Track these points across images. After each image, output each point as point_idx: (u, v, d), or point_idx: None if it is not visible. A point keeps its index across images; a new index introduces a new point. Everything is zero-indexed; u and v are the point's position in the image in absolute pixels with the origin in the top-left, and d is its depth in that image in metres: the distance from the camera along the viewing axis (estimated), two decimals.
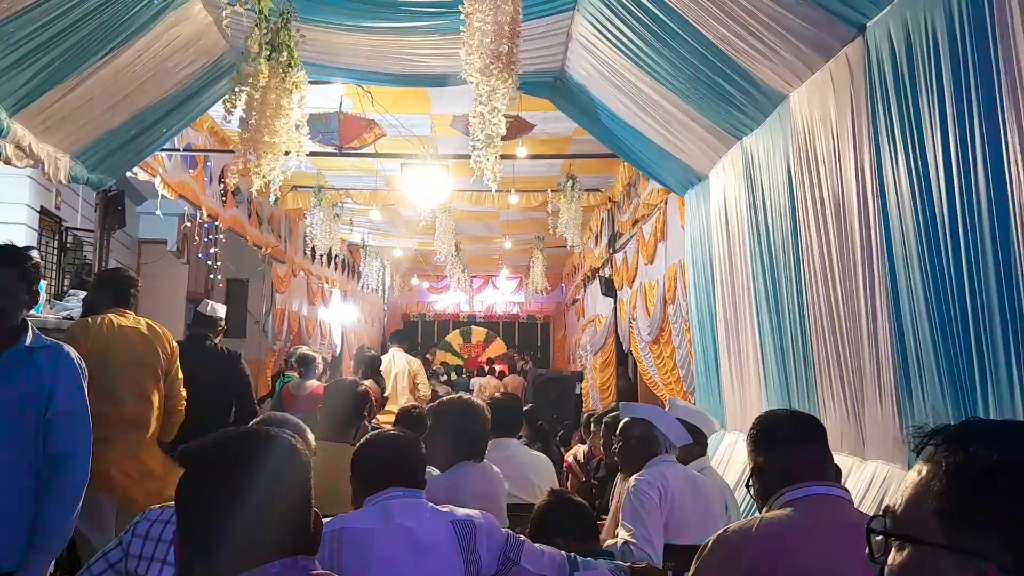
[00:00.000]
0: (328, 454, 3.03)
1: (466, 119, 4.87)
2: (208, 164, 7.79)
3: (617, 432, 3.30)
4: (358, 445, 2.39)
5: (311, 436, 2.29)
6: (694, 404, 5.67)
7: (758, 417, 2.03)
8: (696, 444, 3.51)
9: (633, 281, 9.15)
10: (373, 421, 5.80)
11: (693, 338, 6.03)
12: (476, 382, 15.46)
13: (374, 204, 10.02)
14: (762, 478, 1.93)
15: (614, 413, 4.60)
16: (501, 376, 16.00)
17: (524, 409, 5.47)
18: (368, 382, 6.68)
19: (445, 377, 15.51)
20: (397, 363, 8.25)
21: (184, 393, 3.82)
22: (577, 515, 2.57)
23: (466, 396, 3.14)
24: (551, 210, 8.98)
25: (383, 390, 6.98)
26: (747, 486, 2.01)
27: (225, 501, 1.11)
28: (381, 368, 7.98)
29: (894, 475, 2.93)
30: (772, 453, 1.92)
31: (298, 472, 1.20)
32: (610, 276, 10.77)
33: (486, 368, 16.66)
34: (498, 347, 21.27)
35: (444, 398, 3.19)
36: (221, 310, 5.06)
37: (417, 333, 21.57)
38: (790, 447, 1.91)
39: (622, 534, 2.80)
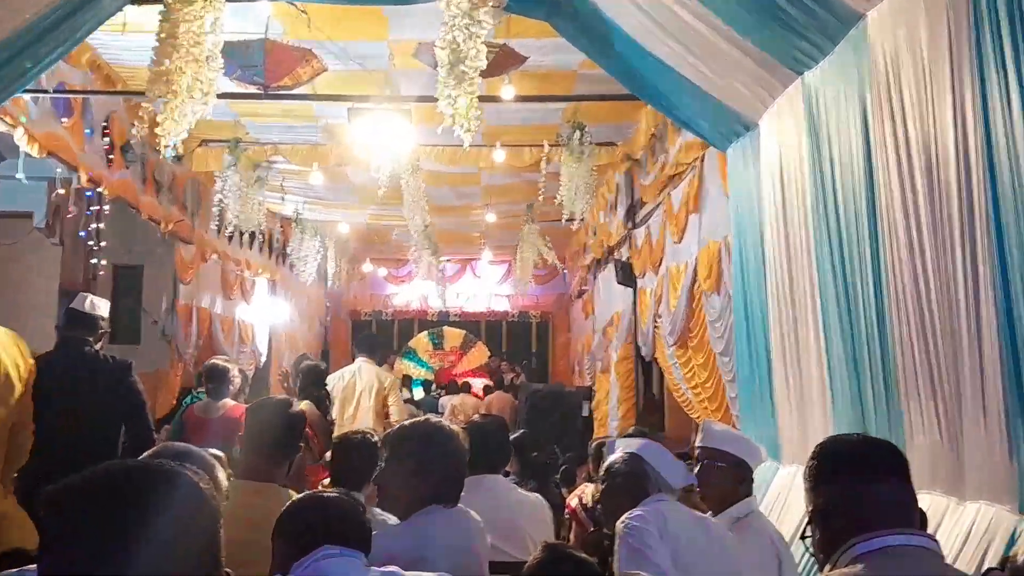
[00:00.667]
0: (247, 496, 3.02)
1: (434, 48, 4.86)
2: (88, 111, 7.73)
3: (600, 472, 3.37)
4: (287, 505, 2.42)
5: (222, 473, 2.29)
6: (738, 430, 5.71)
7: (819, 445, 2.04)
8: (739, 481, 3.54)
9: (659, 266, 9.20)
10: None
11: (737, 340, 6.06)
12: (449, 401, 15.48)
13: (312, 164, 10.00)
14: (824, 525, 1.94)
15: (600, 440, 4.60)
16: (486, 392, 16.02)
17: (513, 437, 5.49)
18: (304, 404, 6.67)
19: (406, 395, 15.53)
20: (363, 378, 8.27)
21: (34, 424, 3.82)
22: None
23: (434, 419, 3.14)
24: (549, 171, 8.99)
25: (326, 413, 6.96)
26: (803, 537, 2.02)
27: (103, 558, 1.10)
28: (340, 386, 7.98)
29: (1002, 520, 2.95)
30: (837, 491, 1.93)
31: (202, 520, 1.19)
32: (628, 259, 10.82)
33: (460, 383, 16.68)
34: (479, 354, 21.34)
35: (405, 422, 3.19)
36: (104, 307, 5.03)
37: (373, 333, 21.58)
38: (861, 483, 1.91)
39: None
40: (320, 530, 2.26)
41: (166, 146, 4.46)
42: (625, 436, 5.10)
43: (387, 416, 8.20)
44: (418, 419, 3.14)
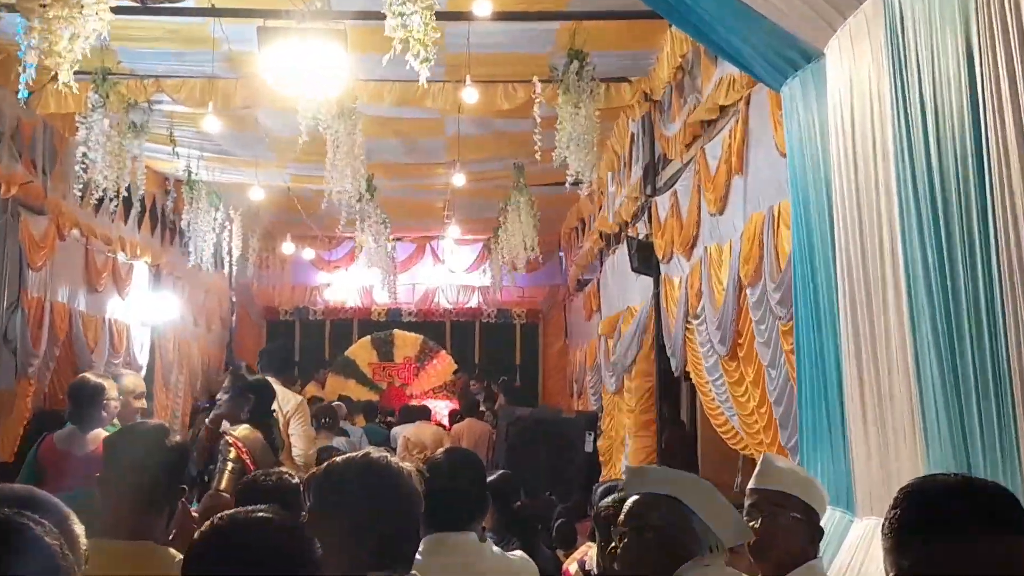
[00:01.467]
0: (113, 560, 3.00)
1: None
2: None
3: (621, 519, 3.32)
4: (188, 549, 2.40)
5: (79, 529, 2.27)
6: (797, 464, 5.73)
7: (904, 489, 2.05)
8: (811, 537, 3.55)
9: (691, 246, 9.26)
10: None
11: (796, 348, 6.08)
12: (401, 432, 15.46)
13: (209, 104, 9.96)
14: None
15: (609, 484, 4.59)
16: (452, 420, 16.03)
17: (490, 479, 5.48)
18: (243, 430, 6.71)
19: (349, 426, 15.48)
20: (284, 396, 8.39)
21: None
22: None
23: (377, 454, 3.13)
24: (539, 116, 8.98)
25: (276, 448, 7.08)
26: None
27: None
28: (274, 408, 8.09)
29: None
30: (928, 550, 1.94)
31: None
32: (647, 237, 10.85)
33: (418, 407, 16.65)
34: (442, 368, 21.38)
35: (337, 459, 3.18)
36: None
37: (293, 343, 21.62)
38: (961, 538, 1.93)
39: None
40: None
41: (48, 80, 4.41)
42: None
43: (289, 446, 8.32)
44: (355, 456, 3.13)
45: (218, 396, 7.80)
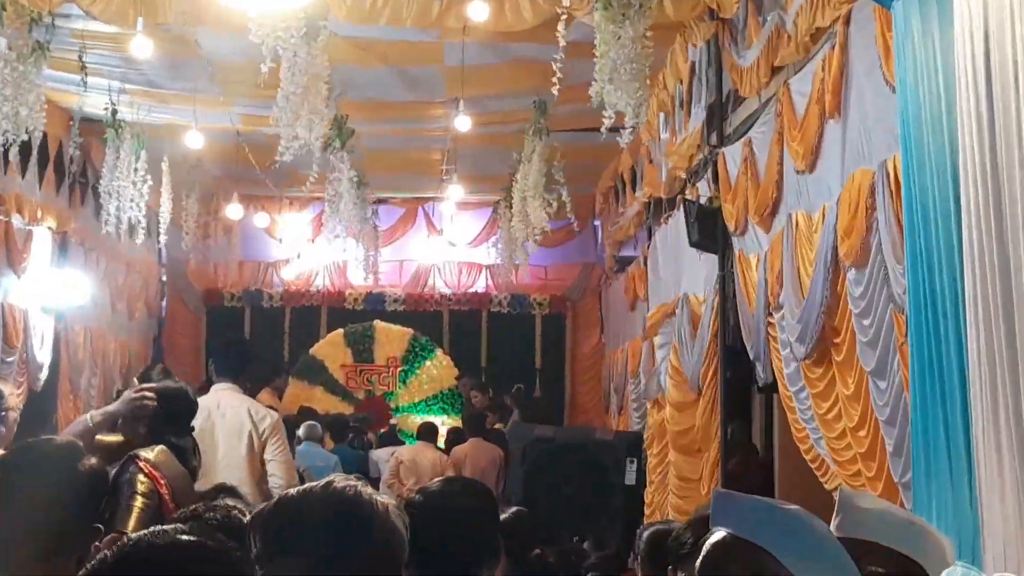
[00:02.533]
0: None
1: None
2: None
3: (698, 568, 3.28)
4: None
5: None
6: (906, 509, 5.70)
7: None
8: None
9: (771, 213, 9.23)
10: None
11: (911, 349, 6.05)
12: (386, 456, 15.51)
13: (137, 21, 9.93)
14: None
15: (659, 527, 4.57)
16: (452, 441, 16.02)
17: (503, 518, 5.48)
18: (156, 454, 6.67)
19: (311, 447, 15.48)
20: (226, 417, 8.37)
21: None
22: None
23: (345, 484, 3.13)
24: (567, 40, 8.94)
25: (193, 470, 7.00)
26: None
27: None
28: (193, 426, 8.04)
29: None
30: None
31: None
32: (712, 201, 10.81)
33: (419, 428, 16.67)
34: (439, 373, 21.34)
35: (291, 491, 3.18)
36: None
37: (241, 334, 21.59)
38: None
39: None
40: None
41: None
42: (696, 521, 5.08)
43: (264, 472, 8.35)
44: (313, 485, 3.11)
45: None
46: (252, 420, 8.31)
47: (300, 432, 14.89)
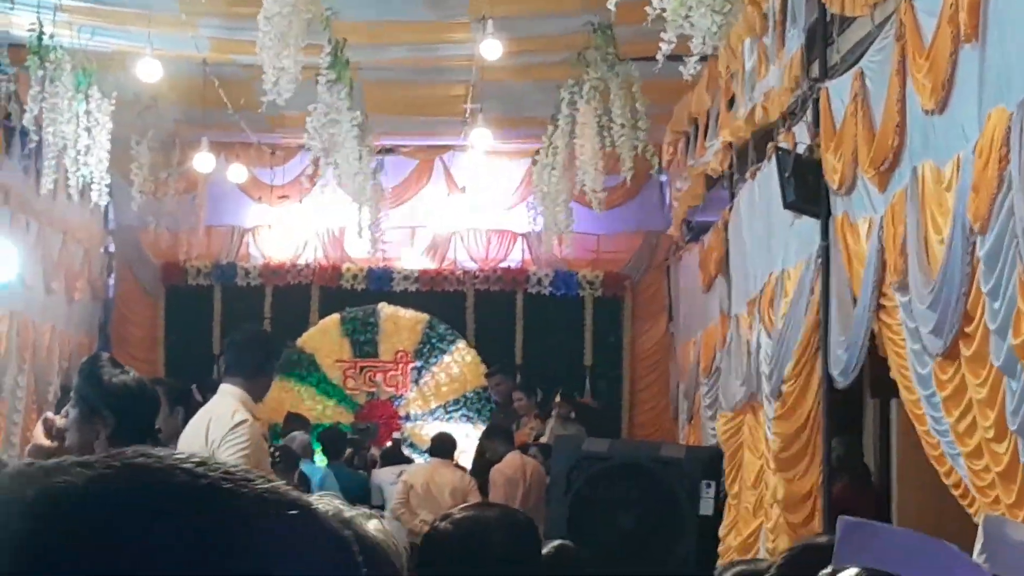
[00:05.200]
0: None
1: None
2: None
3: None
4: None
5: None
6: None
7: None
8: None
9: (890, 167, 9.19)
10: None
11: None
12: (391, 478, 15.58)
13: None
14: None
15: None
16: (479, 458, 16.07)
17: (545, 552, 5.50)
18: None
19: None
20: (216, 421, 8.38)
21: None
22: None
23: (327, 508, 3.10)
24: None
25: None
26: None
27: None
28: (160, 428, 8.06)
29: None
30: None
31: None
32: (811, 151, 10.78)
33: (434, 441, 16.71)
34: (463, 370, 21.39)
35: None
36: None
37: (210, 323, 21.76)
38: None
39: None
40: None
41: None
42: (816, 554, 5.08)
43: None
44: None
45: (61, 413, 7.72)
46: (206, 439, 8.26)
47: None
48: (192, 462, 1.25)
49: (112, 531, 1.19)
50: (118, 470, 1.23)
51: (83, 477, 1.21)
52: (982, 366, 7.59)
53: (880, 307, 9.32)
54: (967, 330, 7.82)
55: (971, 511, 8.34)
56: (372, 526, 3.12)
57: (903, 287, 8.95)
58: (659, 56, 8.91)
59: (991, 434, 7.53)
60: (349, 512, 3.13)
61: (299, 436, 16.11)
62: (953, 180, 7.95)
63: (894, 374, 9.38)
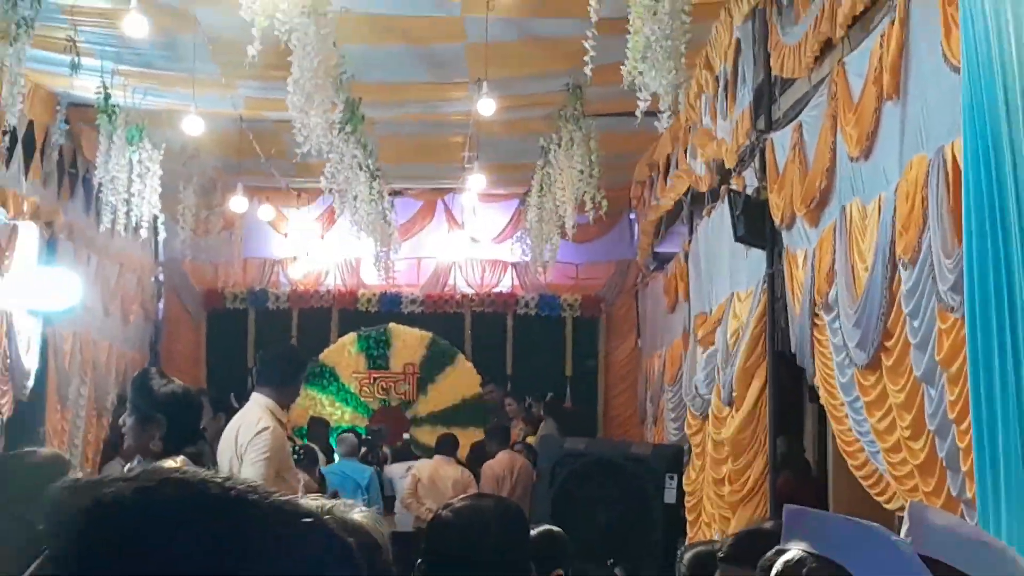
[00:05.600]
0: None
1: None
2: None
3: None
4: None
5: None
6: (972, 523, 5.67)
7: None
8: None
9: (822, 205, 9.23)
10: None
11: (971, 356, 6.02)
12: (401, 472, 15.53)
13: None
14: None
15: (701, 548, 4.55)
16: (476, 456, 16.03)
17: (533, 535, 5.48)
18: (178, 463, 6.74)
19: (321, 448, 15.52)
20: (245, 427, 8.33)
21: None
22: None
23: (354, 517, 3.09)
24: (605, 15, 8.94)
25: None
26: None
27: None
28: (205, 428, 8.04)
29: None
30: None
31: None
32: (759, 193, 10.80)
33: (439, 440, 16.65)
34: (460, 380, 21.38)
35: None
36: None
37: (244, 341, 21.79)
38: None
39: None
40: None
41: None
42: (766, 538, 5.07)
43: None
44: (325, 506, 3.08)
45: (120, 420, 7.73)
46: (236, 442, 8.25)
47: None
48: (221, 478, 1.31)
49: (155, 534, 1.24)
50: (159, 484, 1.27)
51: (130, 489, 1.26)
52: (901, 375, 7.67)
53: (814, 325, 9.37)
54: (887, 344, 7.91)
55: (882, 499, 8.44)
56: (359, 517, 3.11)
57: (828, 307, 9.04)
58: (637, 113, 8.91)
59: (908, 433, 7.60)
60: (330, 504, 3.13)
61: (349, 437, 16.24)
62: (875, 217, 8.01)
63: (818, 381, 9.48)
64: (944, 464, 7.00)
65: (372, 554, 3.04)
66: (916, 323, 7.22)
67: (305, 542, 1.28)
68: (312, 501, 3.13)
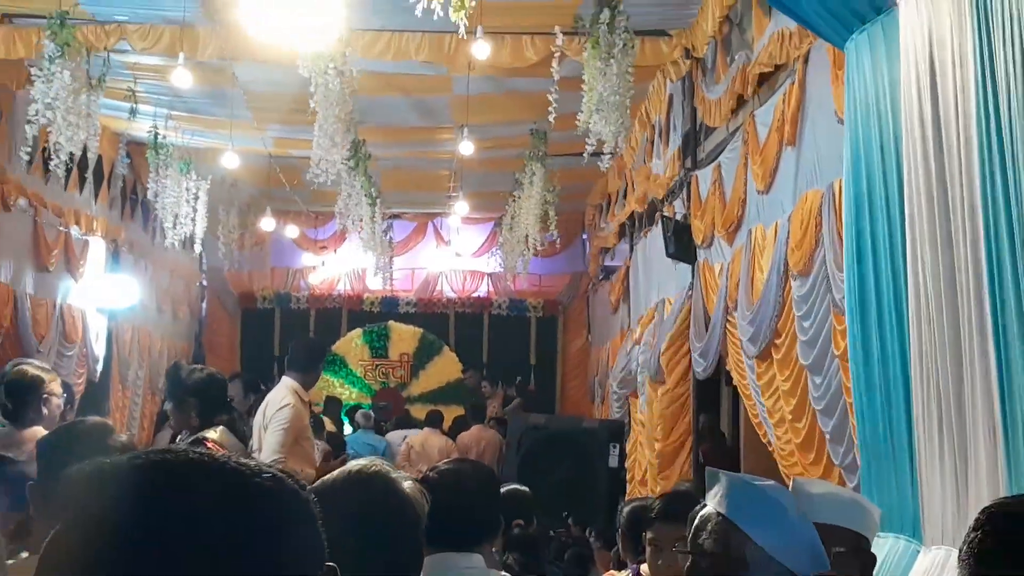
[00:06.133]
0: None
1: None
2: None
3: (690, 538, 3.29)
4: None
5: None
6: (851, 488, 5.74)
7: (988, 509, 2.02)
8: (848, 567, 3.53)
9: (735, 228, 9.26)
10: None
11: (852, 354, 6.06)
12: (398, 439, 15.50)
13: (180, 55, 9.94)
14: None
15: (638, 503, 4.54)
16: (456, 427, 16.03)
17: (502, 492, 5.49)
18: (220, 434, 6.75)
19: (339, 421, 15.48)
20: (271, 404, 8.27)
21: None
22: None
23: (374, 468, 3.11)
24: (563, 76, 8.95)
25: (244, 438, 7.13)
26: None
27: None
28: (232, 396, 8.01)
29: None
30: None
31: None
32: (685, 218, 10.83)
33: (428, 415, 16.64)
34: (445, 367, 21.38)
35: (330, 476, 3.14)
36: None
37: (271, 335, 21.71)
38: None
39: None
40: None
41: None
42: (686, 498, 5.12)
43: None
44: (349, 470, 3.07)
45: (165, 406, 7.80)
46: (264, 415, 8.25)
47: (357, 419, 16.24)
48: (239, 459, 1.28)
49: (140, 498, 1.22)
50: (152, 457, 1.25)
51: (126, 462, 1.25)
52: (787, 366, 7.79)
53: (727, 323, 9.42)
54: (777, 341, 8.02)
55: (783, 467, 8.49)
56: (406, 478, 3.11)
57: (733, 311, 9.20)
58: (585, 154, 8.94)
59: (790, 416, 7.75)
60: (392, 471, 3.11)
61: (368, 413, 16.63)
62: (773, 239, 8.11)
63: (731, 367, 9.56)
64: (828, 438, 7.09)
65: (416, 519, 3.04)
66: (807, 323, 7.30)
67: (296, 503, 1.29)
68: (382, 465, 3.16)
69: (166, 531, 1.18)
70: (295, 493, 1.30)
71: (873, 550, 5.45)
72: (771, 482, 3.31)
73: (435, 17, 4.78)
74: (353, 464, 3.15)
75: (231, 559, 1.21)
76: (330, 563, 1.31)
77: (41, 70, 9.30)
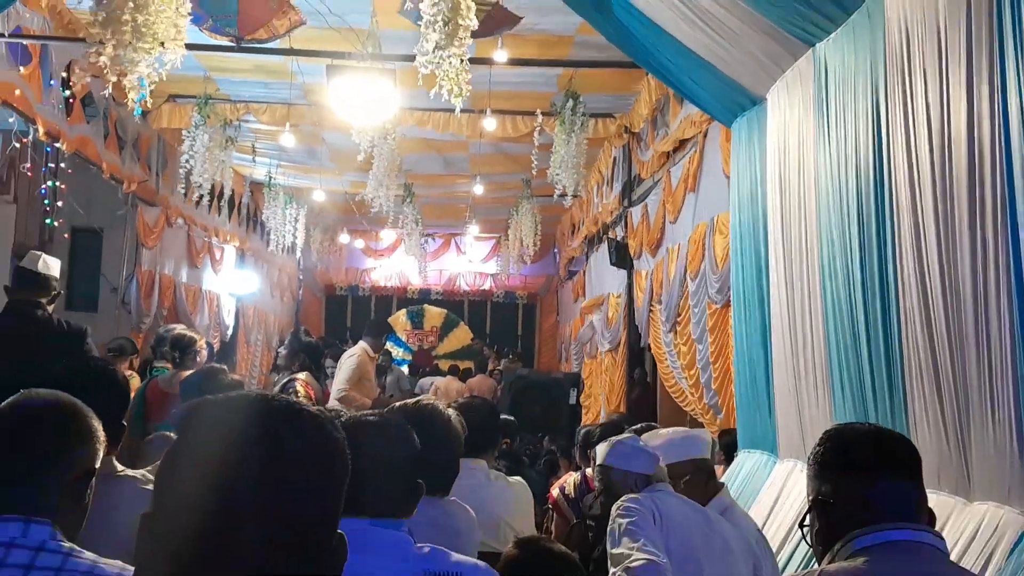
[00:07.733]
0: None
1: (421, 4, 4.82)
2: (47, 58, 7.65)
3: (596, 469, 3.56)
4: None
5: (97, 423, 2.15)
6: (725, 426, 5.80)
7: (828, 431, 2.04)
8: (706, 479, 3.56)
9: (657, 246, 9.26)
10: None
11: (735, 330, 6.09)
12: (430, 383, 15.52)
13: (287, 124, 9.95)
14: (826, 515, 1.93)
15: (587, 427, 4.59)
16: (467, 376, 16.06)
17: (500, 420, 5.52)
18: (307, 376, 6.79)
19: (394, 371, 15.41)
20: (346, 356, 8.12)
21: None
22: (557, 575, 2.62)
23: (428, 400, 3.08)
24: (542, 142, 8.97)
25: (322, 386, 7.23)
26: (801, 525, 2.01)
27: None
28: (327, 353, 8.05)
29: (1010, 522, 2.98)
30: (843, 481, 1.92)
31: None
32: (624, 239, 10.83)
33: (449, 368, 16.70)
34: (460, 336, 21.39)
35: (395, 404, 3.11)
36: (56, 266, 4.94)
37: (346, 313, 21.62)
38: (869, 474, 1.90)
39: (615, 572, 2.87)
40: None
41: (133, 99, 4.42)
42: (604, 425, 5.22)
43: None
44: (410, 402, 3.01)
45: (279, 350, 7.86)
46: (340, 364, 8.17)
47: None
48: (312, 407, 1.19)
49: (222, 420, 1.14)
50: (287, 402, 1.17)
51: (219, 399, 1.17)
52: (685, 339, 7.98)
53: (651, 310, 9.44)
54: (678, 320, 8.13)
55: (683, 404, 8.66)
56: (452, 411, 3.08)
57: (656, 303, 9.25)
58: (555, 196, 8.94)
59: (686, 371, 8.00)
60: (438, 402, 3.08)
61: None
62: (676, 254, 8.22)
63: (651, 340, 9.61)
64: (703, 386, 7.33)
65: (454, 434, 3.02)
66: (696, 309, 7.51)
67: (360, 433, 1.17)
68: (433, 399, 3.11)
69: (263, 443, 1.12)
70: (332, 425, 1.20)
71: (742, 462, 5.52)
72: (613, 439, 3.54)
73: (457, 110, 4.83)
74: (411, 400, 3.13)
75: (298, 462, 1.14)
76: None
77: (189, 132, 9.34)
